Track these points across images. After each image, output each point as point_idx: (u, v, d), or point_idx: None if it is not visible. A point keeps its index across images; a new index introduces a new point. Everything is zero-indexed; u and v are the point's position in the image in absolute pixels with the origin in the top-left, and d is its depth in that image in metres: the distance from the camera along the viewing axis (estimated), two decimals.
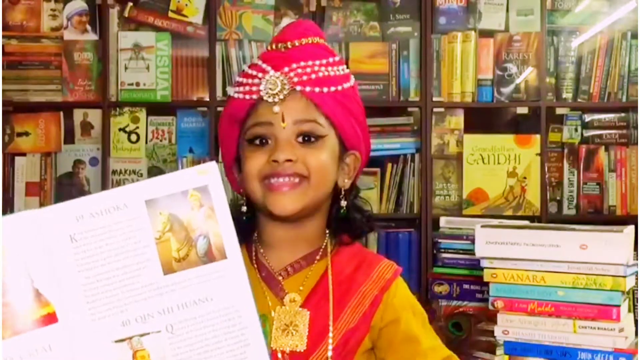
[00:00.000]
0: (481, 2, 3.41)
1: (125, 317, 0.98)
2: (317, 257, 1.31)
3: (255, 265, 1.31)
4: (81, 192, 3.32)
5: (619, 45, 3.39)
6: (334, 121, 1.29)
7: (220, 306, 0.99)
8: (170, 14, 3.44)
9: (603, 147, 3.38)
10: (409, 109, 3.41)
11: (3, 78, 3.26)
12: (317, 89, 1.26)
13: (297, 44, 1.30)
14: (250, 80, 1.28)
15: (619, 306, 1.36)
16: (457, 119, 3.38)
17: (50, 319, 0.97)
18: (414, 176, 3.36)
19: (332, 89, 1.28)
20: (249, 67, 1.31)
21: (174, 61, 3.41)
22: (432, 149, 3.35)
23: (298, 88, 1.26)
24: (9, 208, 3.27)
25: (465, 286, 1.78)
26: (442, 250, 1.85)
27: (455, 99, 3.36)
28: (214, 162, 1.03)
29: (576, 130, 3.41)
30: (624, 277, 1.36)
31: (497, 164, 3.33)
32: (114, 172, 3.38)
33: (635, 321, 1.46)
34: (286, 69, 1.26)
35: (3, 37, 3.34)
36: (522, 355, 1.42)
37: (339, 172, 1.32)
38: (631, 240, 1.40)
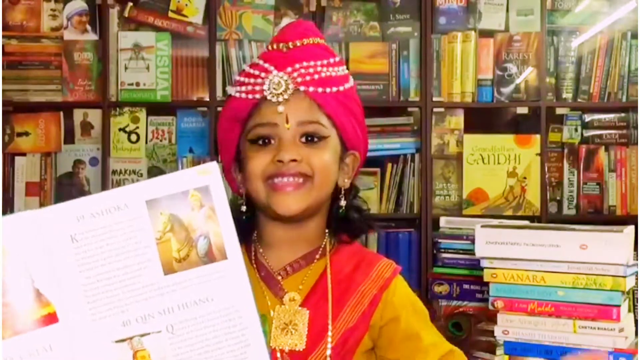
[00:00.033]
0: (481, 2, 3.40)
1: (126, 317, 0.98)
2: (317, 257, 1.32)
3: (255, 265, 1.31)
4: (81, 192, 3.31)
5: (619, 45, 3.38)
6: (336, 121, 1.29)
7: (220, 306, 0.99)
8: (170, 14, 3.43)
9: (603, 147, 3.38)
10: (409, 109, 3.41)
11: (3, 78, 3.25)
12: (320, 90, 1.27)
13: (298, 44, 1.30)
14: (252, 80, 1.28)
15: (619, 306, 1.36)
16: (457, 119, 3.37)
17: (51, 319, 0.98)
18: (414, 176, 3.36)
19: (334, 89, 1.28)
20: (250, 66, 1.31)
21: (174, 61, 3.41)
22: (432, 149, 3.34)
23: (302, 88, 1.26)
24: (9, 208, 3.27)
25: (465, 286, 1.77)
26: (442, 250, 1.85)
27: (455, 99, 3.36)
28: (214, 163, 1.03)
29: (576, 130, 3.41)
30: (624, 277, 1.35)
31: (497, 164, 3.33)
32: (114, 172, 3.38)
33: (635, 321, 1.46)
34: (289, 69, 1.26)
35: (3, 37, 3.34)
36: (522, 355, 1.42)
37: (339, 172, 1.32)
38: (631, 240, 1.40)
